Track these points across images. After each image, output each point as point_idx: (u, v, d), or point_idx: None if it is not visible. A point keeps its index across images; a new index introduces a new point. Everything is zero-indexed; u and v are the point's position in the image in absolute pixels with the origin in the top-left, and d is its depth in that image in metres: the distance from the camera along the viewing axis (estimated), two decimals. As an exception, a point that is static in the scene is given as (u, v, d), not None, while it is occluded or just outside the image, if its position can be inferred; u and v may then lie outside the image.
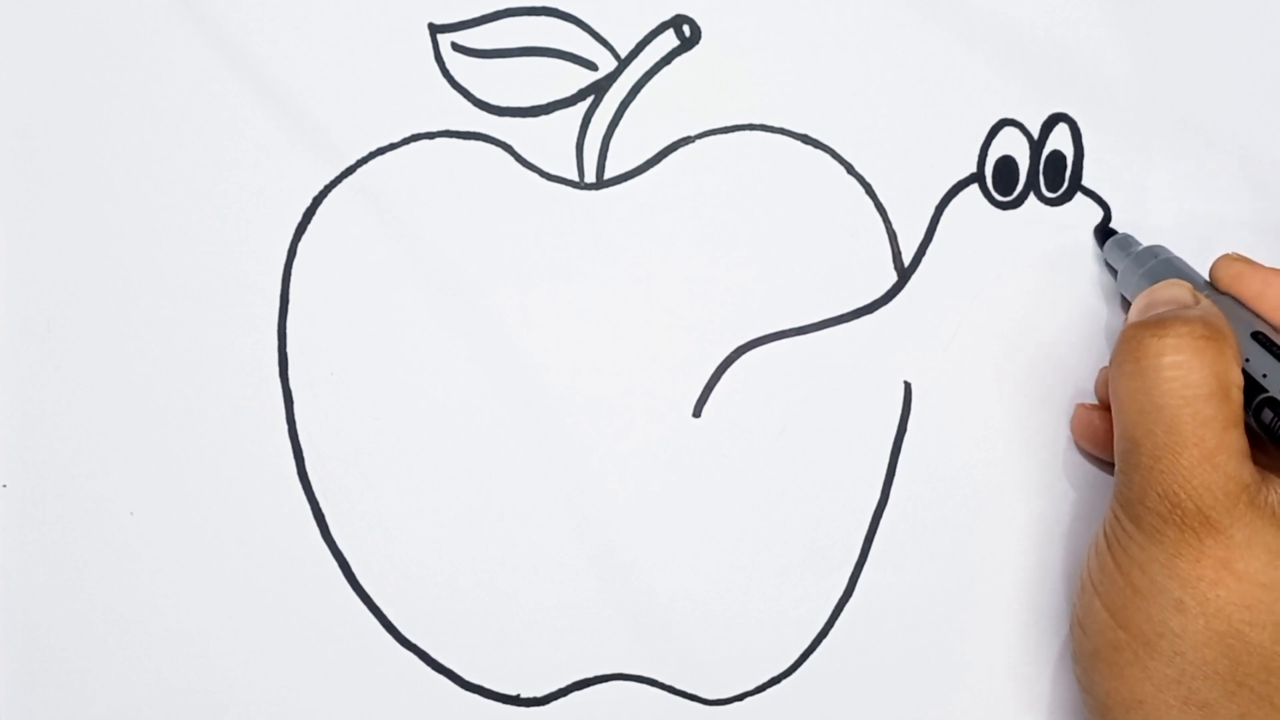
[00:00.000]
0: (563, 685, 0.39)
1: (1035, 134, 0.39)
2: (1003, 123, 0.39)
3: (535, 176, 0.39)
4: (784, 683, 0.39)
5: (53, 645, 0.38)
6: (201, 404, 0.38)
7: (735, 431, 0.39)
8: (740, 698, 0.39)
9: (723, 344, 0.39)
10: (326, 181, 0.38)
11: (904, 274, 0.39)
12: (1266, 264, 0.36)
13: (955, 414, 0.39)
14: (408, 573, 0.38)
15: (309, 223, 0.38)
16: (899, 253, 0.39)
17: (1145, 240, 0.38)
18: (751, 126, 0.39)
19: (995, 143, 0.39)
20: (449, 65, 0.38)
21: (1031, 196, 0.40)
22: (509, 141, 0.39)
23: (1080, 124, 0.40)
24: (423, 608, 0.38)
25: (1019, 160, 0.39)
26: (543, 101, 0.39)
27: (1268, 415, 0.32)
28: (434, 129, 0.39)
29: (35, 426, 0.38)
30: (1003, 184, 0.39)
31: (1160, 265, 0.37)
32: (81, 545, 0.38)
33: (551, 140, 0.39)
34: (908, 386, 0.39)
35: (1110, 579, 0.33)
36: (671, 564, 0.39)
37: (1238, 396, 0.32)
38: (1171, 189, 0.40)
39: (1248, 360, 0.33)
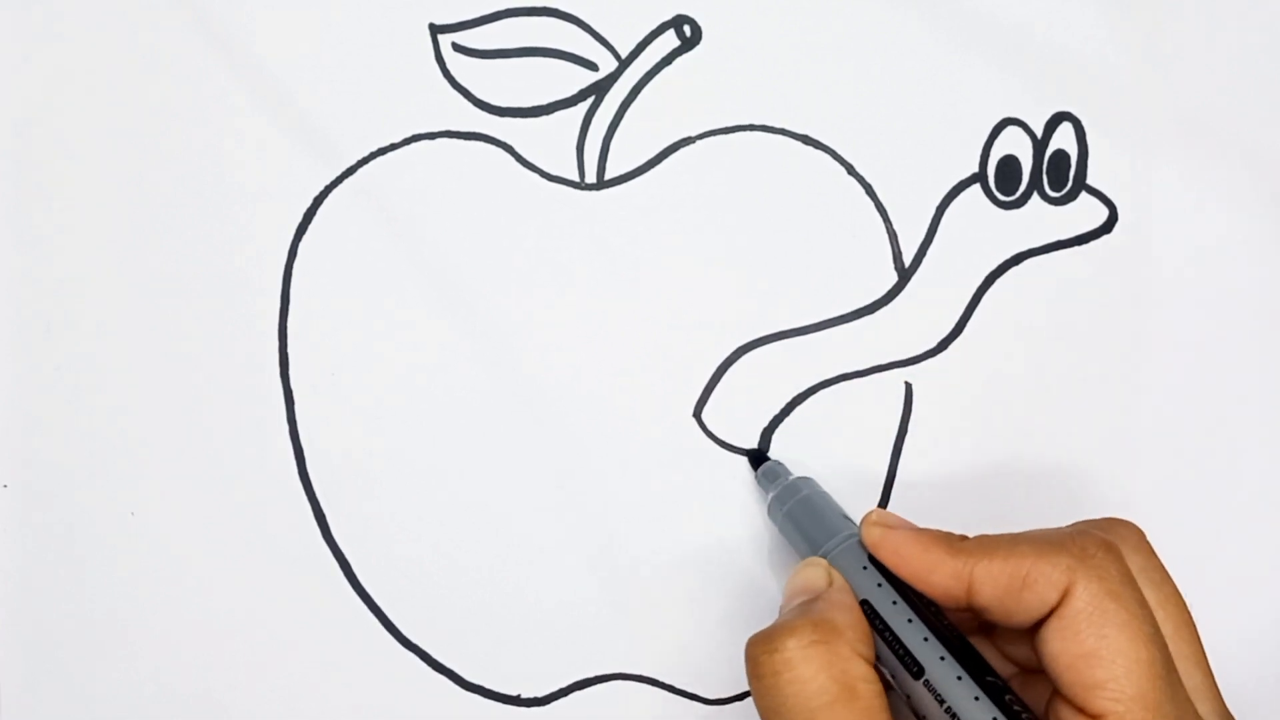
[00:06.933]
0: (563, 685, 0.39)
1: (1039, 133, 0.39)
2: (1005, 122, 0.39)
3: (536, 177, 0.39)
4: (784, 683, 0.39)
5: (53, 645, 0.38)
6: (202, 404, 0.38)
7: (735, 431, 0.39)
8: (740, 698, 0.39)
9: (723, 344, 0.39)
10: (327, 182, 0.38)
11: (904, 274, 0.39)
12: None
13: (955, 414, 0.39)
14: (408, 573, 0.38)
15: (309, 223, 0.38)
16: (899, 253, 0.39)
17: (796, 471, 0.37)
18: (752, 127, 0.39)
19: (998, 142, 0.39)
20: (449, 65, 0.38)
21: (1035, 196, 0.39)
22: (509, 142, 0.39)
23: (1084, 123, 0.39)
24: (423, 608, 0.38)
25: (1022, 160, 0.39)
26: (543, 102, 0.39)
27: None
28: (434, 129, 0.38)
29: (35, 426, 0.38)
30: (1005, 183, 0.39)
31: (798, 505, 0.35)
32: (81, 545, 0.38)
33: (552, 141, 0.39)
34: (908, 387, 0.39)
35: None
36: (671, 564, 0.39)
37: (867, 690, 0.29)
38: (1176, 186, 0.40)
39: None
